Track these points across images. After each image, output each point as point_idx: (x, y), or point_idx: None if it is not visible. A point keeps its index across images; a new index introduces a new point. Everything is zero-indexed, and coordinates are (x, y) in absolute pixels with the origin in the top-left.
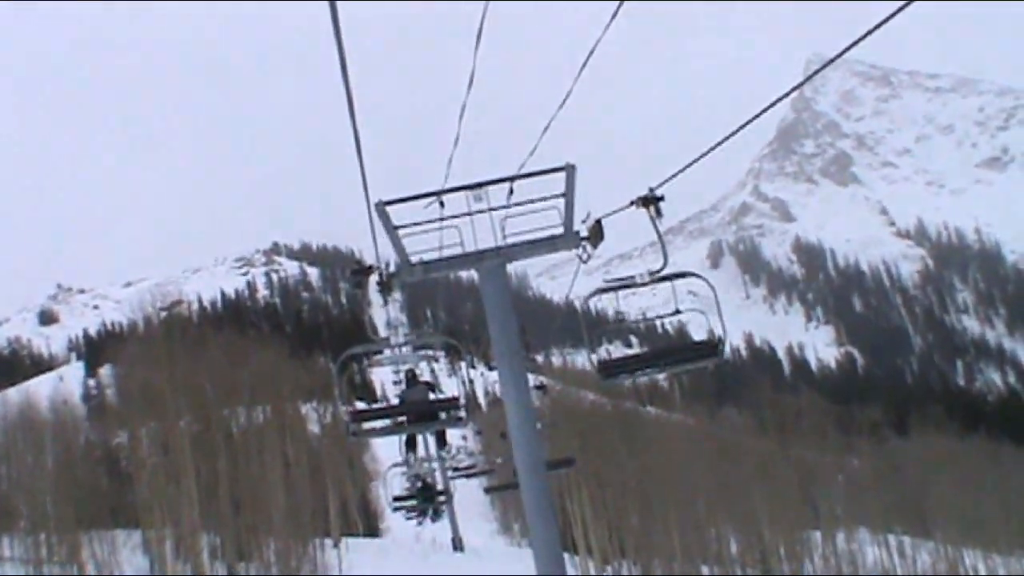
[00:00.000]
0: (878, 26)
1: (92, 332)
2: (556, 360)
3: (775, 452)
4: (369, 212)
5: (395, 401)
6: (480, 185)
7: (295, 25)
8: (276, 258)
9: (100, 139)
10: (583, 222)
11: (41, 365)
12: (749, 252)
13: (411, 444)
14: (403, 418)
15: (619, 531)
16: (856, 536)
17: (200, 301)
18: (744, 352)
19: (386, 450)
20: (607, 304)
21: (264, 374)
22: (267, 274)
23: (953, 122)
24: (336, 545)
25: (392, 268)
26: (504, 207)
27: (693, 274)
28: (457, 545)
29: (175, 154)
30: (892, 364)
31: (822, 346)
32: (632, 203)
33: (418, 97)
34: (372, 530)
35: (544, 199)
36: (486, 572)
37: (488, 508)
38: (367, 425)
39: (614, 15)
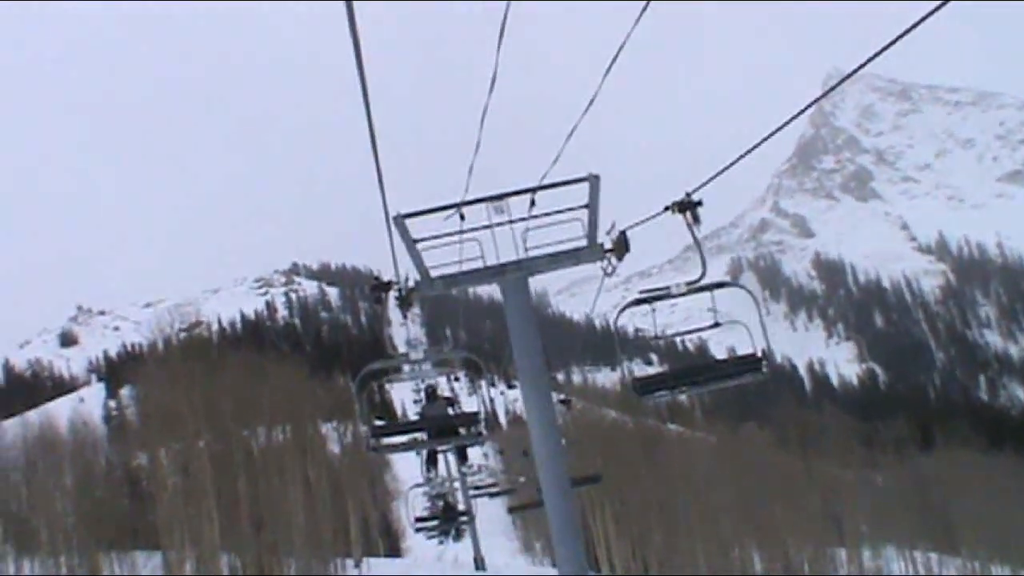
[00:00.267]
0: (899, 37)
1: (112, 353)
2: (576, 378)
3: (798, 469)
4: (388, 225)
5: (415, 419)
6: (501, 196)
7: (311, 45)
8: (295, 278)
9: (121, 160)
10: (607, 233)
11: (62, 387)
12: (769, 268)
13: (432, 461)
14: (423, 433)
15: (642, 548)
16: (882, 553)
17: (220, 322)
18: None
19: (407, 470)
20: (625, 321)
21: (284, 394)
22: (286, 294)
23: (974, 136)
24: (357, 565)
25: (411, 283)
26: (525, 219)
27: (732, 283)
28: (479, 564)
29: (195, 175)
30: (914, 380)
31: (843, 362)
32: (667, 208)
33: (437, 108)
34: (394, 550)
35: (567, 210)
36: None
37: (510, 527)
38: (387, 440)
39: (639, 18)
